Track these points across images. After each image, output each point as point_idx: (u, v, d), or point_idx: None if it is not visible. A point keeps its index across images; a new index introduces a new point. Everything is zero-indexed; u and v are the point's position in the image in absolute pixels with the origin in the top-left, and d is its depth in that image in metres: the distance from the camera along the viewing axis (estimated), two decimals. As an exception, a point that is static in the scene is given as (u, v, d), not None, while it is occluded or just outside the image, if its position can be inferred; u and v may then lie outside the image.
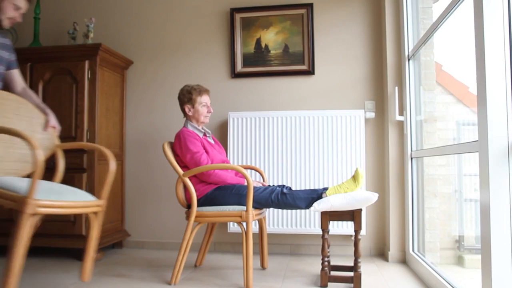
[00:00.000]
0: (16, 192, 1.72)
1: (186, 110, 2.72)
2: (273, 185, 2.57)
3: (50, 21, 3.58)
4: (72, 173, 2.96)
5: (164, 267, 2.80)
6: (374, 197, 2.23)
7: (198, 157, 2.50)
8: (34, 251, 3.24)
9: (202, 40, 3.44)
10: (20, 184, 1.75)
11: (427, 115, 2.96)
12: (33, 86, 3.05)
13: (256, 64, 3.34)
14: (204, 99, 2.71)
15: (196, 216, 2.38)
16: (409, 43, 2.95)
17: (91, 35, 3.24)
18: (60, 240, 2.96)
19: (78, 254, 3.08)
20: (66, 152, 2.97)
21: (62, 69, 3.04)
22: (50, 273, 2.68)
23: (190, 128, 2.68)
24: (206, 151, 2.62)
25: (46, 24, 3.55)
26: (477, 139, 1.64)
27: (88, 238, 2.03)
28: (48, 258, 3.07)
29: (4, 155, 1.85)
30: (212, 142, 2.80)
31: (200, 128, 2.73)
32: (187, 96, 2.70)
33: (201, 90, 2.71)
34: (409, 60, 2.94)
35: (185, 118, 2.77)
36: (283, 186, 2.51)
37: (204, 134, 2.76)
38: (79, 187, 2.94)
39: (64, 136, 2.99)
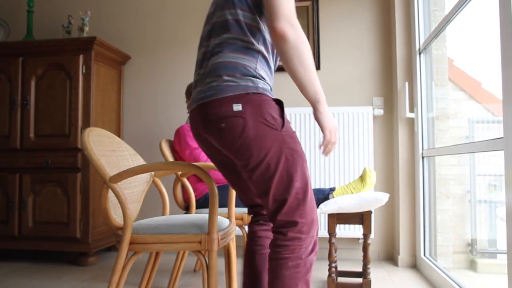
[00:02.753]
0: (199, 232, 1.52)
1: (186, 106, 2.61)
2: None
3: (44, 14, 3.44)
4: (65, 172, 2.82)
5: (161, 271, 2.66)
6: (384, 197, 2.09)
7: (197, 153, 2.37)
8: (25, 255, 3.11)
9: (202, 34, 3.29)
10: (197, 222, 1.56)
11: (439, 112, 2.82)
12: (25, 81, 2.92)
13: (258, 59, 3.19)
14: None
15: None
16: (420, 36, 2.81)
17: (86, 28, 3.10)
18: (52, 243, 2.82)
19: (71, 258, 2.95)
20: (59, 150, 2.86)
21: (55, 64, 2.90)
22: (43, 277, 2.54)
23: None
24: None
25: (39, 18, 3.41)
26: (501, 136, 1.49)
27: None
28: (40, 262, 2.94)
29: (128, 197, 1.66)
30: None
31: None
32: (187, 91, 2.60)
33: None
34: (420, 54, 2.80)
35: (188, 114, 2.65)
36: None
37: None
38: (73, 188, 2.80)
39: (57, 134, 2.87)
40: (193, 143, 2.43)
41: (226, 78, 1.24)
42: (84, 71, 2.87)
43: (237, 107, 1.22)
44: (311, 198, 1.27)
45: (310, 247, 1.26)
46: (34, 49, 2.93)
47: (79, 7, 3.37)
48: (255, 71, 1.26)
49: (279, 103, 1.27)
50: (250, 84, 1.24)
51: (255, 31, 1.28)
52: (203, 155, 2.40)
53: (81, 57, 2.86)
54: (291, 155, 1.24)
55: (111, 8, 3.41)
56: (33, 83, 2.92)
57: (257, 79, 1.26)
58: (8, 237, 2.87)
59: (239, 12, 1.28)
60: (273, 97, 1.28)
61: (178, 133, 2.48)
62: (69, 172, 2.83)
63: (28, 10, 3.23)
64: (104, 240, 2.98)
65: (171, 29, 3.33)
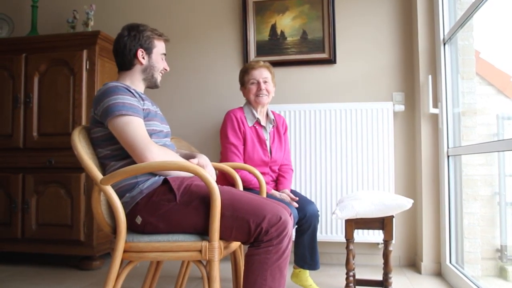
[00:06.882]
0: (199, 240, 1.38)
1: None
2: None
3: (48, 9, 3.33)
4: (69, 172, 2.70)
5: (165, 278, 2.51)
6: (408, 203, 1.90)
7: (227, 149, 2.23)
8: (27, 258, 3.01)
9: (212, 27, 3.14)
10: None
11: (465, 107, 2.61)
12: (28, 78, 2.81)
13: (271, 53, 3.03)
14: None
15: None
16: (445, 26, 2.61)
17: (91, 23, 2.98)
18: (55, 246, 2.71)
19: (75, 262, 2.83)
20: (62, 149, 2.74)
21: (58, 60, 2.78)
22: (43, 283, 2.43)
23: None
24: None
25: (44, 13, 3.30)
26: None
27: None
28: (43, 265, 2.82)
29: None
30: None
31: None
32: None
33: None
34: (444, 45, 2.60)
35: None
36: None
37: None
38: (77, 188, 2.68)
39: (60, 133, 2.75)
40: (232, 136, 2.27)
41: None
42: (88, 66, 2.75)
43: None
44: (243, 206, 1.36)
45: (282, 236, 1.35)
46: (36, 45, 2.82)
47: (84, 1, 3.25)
48: None
49: None
50: None
51: None
52: (231, 157, 2.24)
53: (84, 52, 2.74)
54: None
55: (116, 1, 3.28)
56: (36, 80, 2.81)
57: None
58: (11, 239, 2.76)
59: None
60: None
61: (224, 118, 2.36)
62: (73, 172, 2.71)
63: (32, 5, 3.12)
64: (108, 243, 2.86)
65: (179, 22, 3.19)
